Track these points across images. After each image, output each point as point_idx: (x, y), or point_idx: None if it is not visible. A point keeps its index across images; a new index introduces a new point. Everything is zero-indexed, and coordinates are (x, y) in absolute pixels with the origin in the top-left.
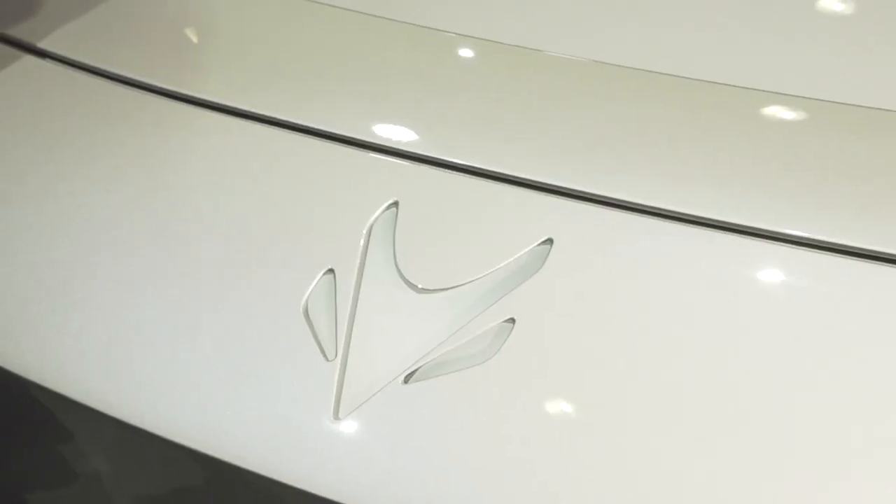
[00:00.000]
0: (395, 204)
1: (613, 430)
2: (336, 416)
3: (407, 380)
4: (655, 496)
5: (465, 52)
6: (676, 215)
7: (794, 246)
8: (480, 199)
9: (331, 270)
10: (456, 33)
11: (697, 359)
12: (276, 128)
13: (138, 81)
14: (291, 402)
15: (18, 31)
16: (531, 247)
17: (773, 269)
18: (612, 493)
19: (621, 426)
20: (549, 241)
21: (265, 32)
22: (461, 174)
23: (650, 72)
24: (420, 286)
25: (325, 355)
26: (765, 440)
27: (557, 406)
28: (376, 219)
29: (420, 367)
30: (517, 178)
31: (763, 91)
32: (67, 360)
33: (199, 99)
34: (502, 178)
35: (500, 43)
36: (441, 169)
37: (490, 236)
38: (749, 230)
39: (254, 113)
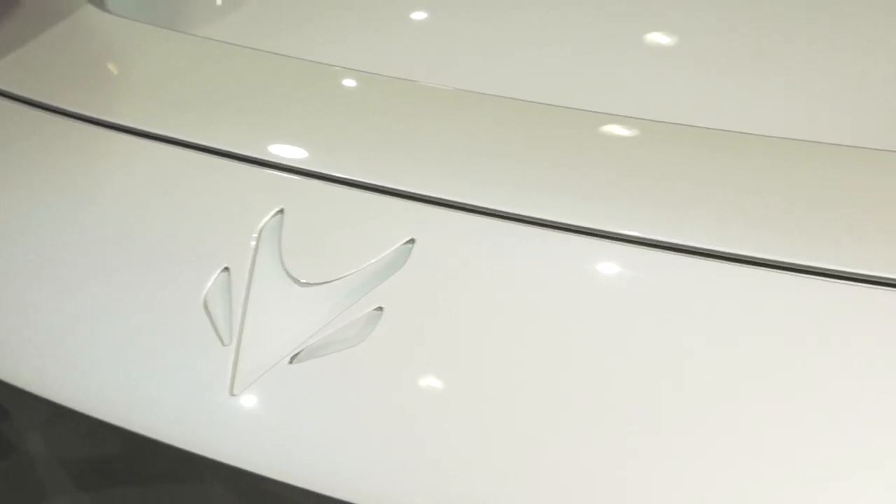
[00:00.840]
0: (281, 211)
1: (467, 401)
2: (232, 392)
3: (292, 360)
4: (507, 459)
5: (343, 82)
6: (519, 217)
7: (626, 244)
8: (353, 206)
9: (226, 269)
10: (337, 66)
11: (534, 340)
12: (180, 147)
13: (58, 108)
14: (194, 381)
15: None
16: (396, 246)
17: (603, 264)
18: (470, 456)
19: (475, 398)
20: (412, 240)
21: (173, 67)
22: (337, 185)
23: (500, 97)
24: (303, 280)
25: (222, 341)
26: (592, 411)
27: (419, 381)
28: (265, 224)
29: (303, 350)
30: (384, 187)
31: (597, 112)
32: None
33: (114, 123)
34: (371, 188)
35: (374, 74)
36: (320, 181)
37: (362, 237)
38: (583, 230)
39: (162, 135)
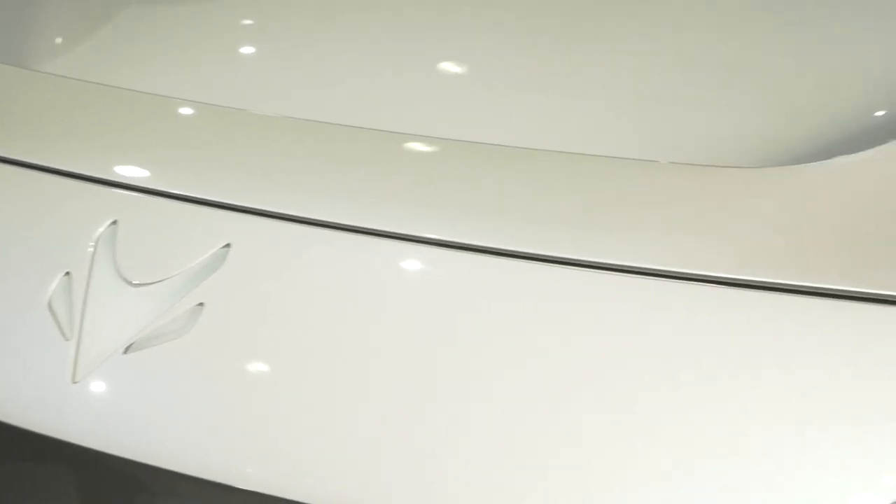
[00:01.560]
0: (115, 222)
1: (278, 381)
2: (74, 380)
3: (126, 351)
4: (323, 432)
5: (174, 111)
6: (320, 223)
7: (421, 245)
8: (178, 217)
9: (68, 273)
10: (168, 96)
11: (332, 325)
12: (25, 168)
13: None
14: (42, 371)
15: None
16: (214, 250)
17: (398, 264)
18: (286, 427)
19: (284, 378)
20: (228, 245)
21: (15, 99)
22: (164, 198)
23: (313, 121)
24: (135, 281)
25: (64, 336)
26: (383, 391)
27: (237, 365)
28: (101, 233)
29: (136, 341)
30: (204, 199)
31: (398, 132)
32: None
33: None
34: (193, 200)
35: (199, 102)
36: (149, 195)
37: (185, 243)
38: (379, 232)
39: (5, 157)
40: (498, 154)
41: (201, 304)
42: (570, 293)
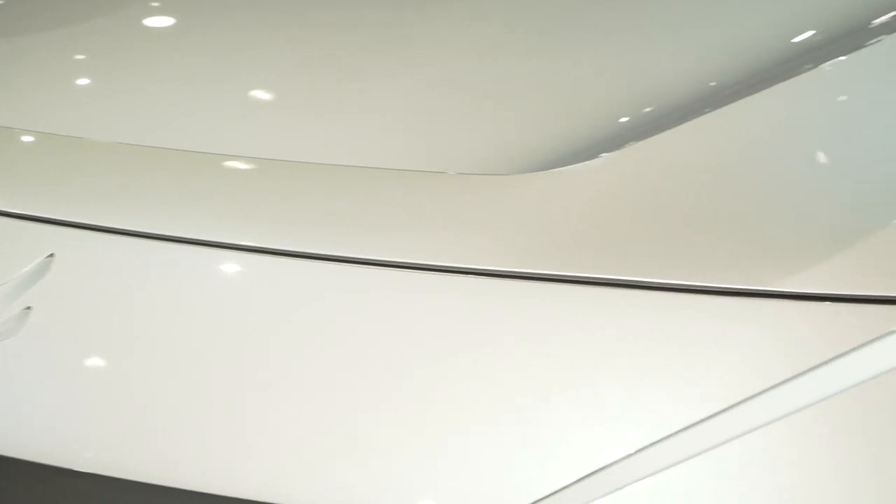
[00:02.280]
0: None
1: (104, 372)
2: None
3: None
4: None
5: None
6: (134, 233)
7: (223, 249)
8: (6, 231)
9: None
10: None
11: (145, 324)
12: None
13: None
14: None
15: None
16: (39, 259)
17: (205, 270)
18: (108, 410)
19: (108, 369)
20: (52, 255)
21: None
22: None
23: (134, 145)
24: None
25: None
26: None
27: (64, 359)
28: None
29: None
30: (29, 215)
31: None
32: None
33: None
34: (20, 216)
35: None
36: None
37: (13, 254)
38: (191, 241)
39: None
40: (280, 167)
41: (29, 307)
42: (353, 287)
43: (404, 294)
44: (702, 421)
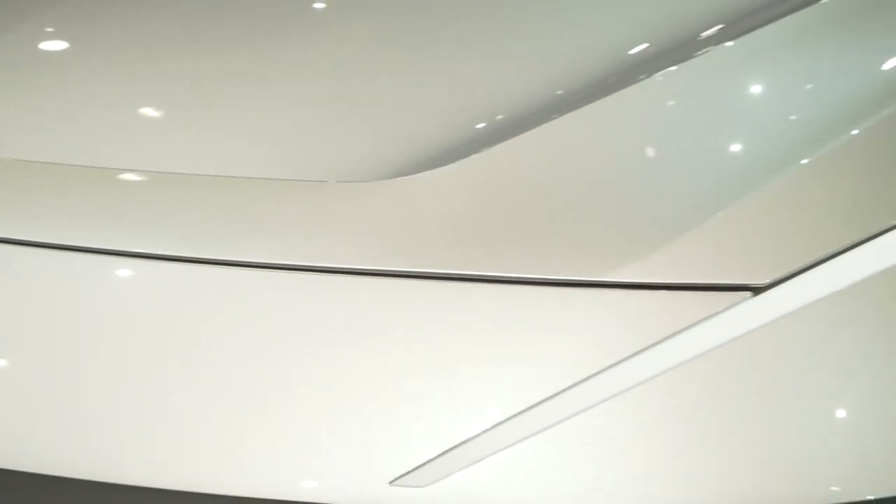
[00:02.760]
0: None
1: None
2: None
3: None
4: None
5: None
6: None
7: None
8: None
9: None
10: None
11: (42, 325)
12: None
13: None
14: None
15: None
16: None
17: (98, 276)
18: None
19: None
20: None
21: None
22: None
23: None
24: None
25: None
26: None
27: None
28: None
29: None
30: None
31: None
32: None
33: None
34: None
35: None
36: None
37: None
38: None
39: None
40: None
41: None
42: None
43: (280, 293)
44: (547, 399)
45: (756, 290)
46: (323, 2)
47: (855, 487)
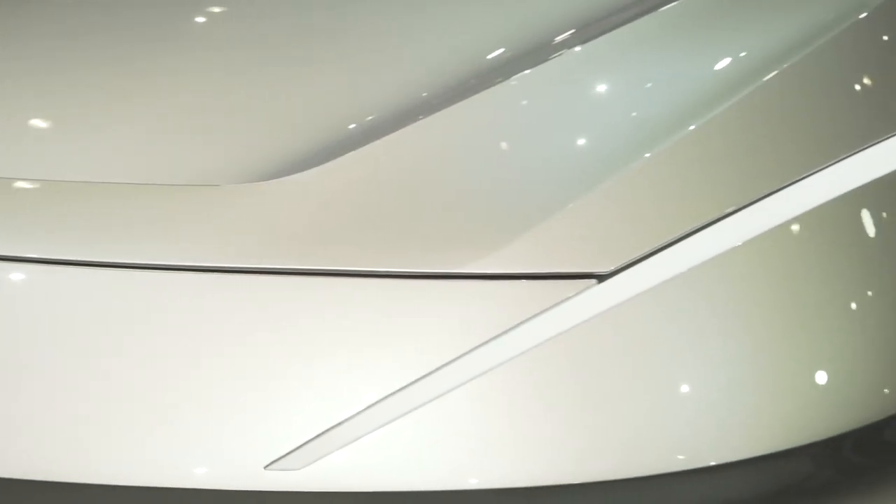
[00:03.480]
0: None
1: None
2: None
3: None
4: None
5: None
6: None
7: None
8: None
9: None
10: None
11: None
12: None
13: None
14: None
15: None
16: None
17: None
18: None
19: None
20: None
21: None
22: None
23: None
24: None
25: None
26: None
27: None
28: None
29: None
30: None
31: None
32: None
33: None
34: None
35: None
36: None
37: None
38: None
39: None
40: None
41: None
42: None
43: (165, 292)
44: (411, 383)
45: (601, 278)
46: (201, 11)
47: (698, 454)
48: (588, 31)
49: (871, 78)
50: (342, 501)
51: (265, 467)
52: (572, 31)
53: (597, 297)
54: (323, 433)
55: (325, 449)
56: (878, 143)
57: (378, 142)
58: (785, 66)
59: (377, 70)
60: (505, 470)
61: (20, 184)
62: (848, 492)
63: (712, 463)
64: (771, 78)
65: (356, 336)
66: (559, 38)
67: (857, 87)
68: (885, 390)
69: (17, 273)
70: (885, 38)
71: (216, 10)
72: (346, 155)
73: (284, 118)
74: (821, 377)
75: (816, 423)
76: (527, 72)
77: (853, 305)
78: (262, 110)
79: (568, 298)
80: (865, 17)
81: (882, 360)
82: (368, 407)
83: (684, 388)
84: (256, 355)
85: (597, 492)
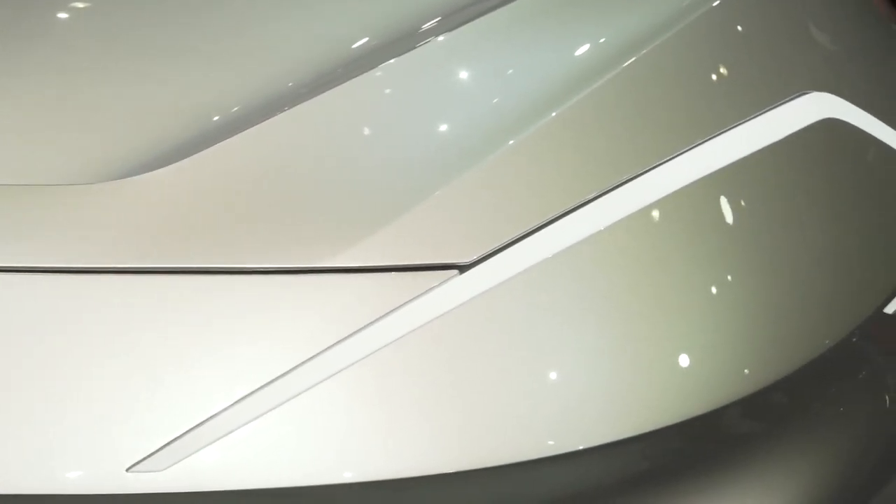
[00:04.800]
0: None
1: None
2: None
3: None
4: None
5: None
6: None
7: None
8: None
9: None
10: None
11: None
12: None
13: None
14: None
15: None
16: None
17: None
18: None
19: None
20: None
21: None
22: None
23: None
24: None
25: None
26: None
27: None
28: None
29: None
30: None
31: None
32: None
33: None
34: None
35: None
36: None
37: None
38: None
39: None
40: None
41: None
42: None
43: (24, 294)
44: (275, 379)
45: (462, 268)
46: (58, 6)
47: (567, 439)
48: (454, 18)
49: (725, 65)
50: (211, 501)
51: (127, 469)
52: (438, 18)
53: (459, 288)
54: (187, 432)
55: (191, 448)
56: (733, 127)
57: (237, 136)
58: (643, 52)
59: (242, 60)
60: (377, 463)
61: None
62: (720, 467)
63: (580, 447)
64: (630, 64)
65: (219, 333)
66: (425, 27)
67: (713, 74)
68: (746, 371)
69: None
70: (740, 27)
71: (74, 4)
72: (209, 148)
73: (148, 112)
74: (683, 360)
75: (682, 404)
76: (391, 61)
77: (713, 289)
78: (126, 106)
79: (430, 289)
80: (718, 4)
81: (742, 342)
82: (234, 403)
83: (552, 375)
84: (118, 354)
85: (470, 480)
